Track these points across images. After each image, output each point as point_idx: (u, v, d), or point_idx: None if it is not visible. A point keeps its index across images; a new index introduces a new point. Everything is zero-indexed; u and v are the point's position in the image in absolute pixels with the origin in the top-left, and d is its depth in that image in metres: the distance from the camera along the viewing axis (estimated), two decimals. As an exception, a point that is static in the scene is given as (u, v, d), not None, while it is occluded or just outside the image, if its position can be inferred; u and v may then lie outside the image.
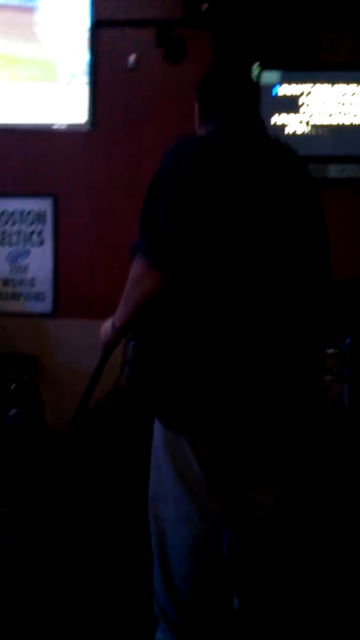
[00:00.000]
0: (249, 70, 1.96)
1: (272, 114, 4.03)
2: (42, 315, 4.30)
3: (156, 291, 1.68)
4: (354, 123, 4.01)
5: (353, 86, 3.98)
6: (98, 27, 4.22)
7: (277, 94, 4.04)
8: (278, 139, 1.84)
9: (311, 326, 1.75)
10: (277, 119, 4.04)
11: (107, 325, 1.91)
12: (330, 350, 2.91)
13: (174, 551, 1.81)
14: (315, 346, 1.78)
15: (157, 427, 1.83)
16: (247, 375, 1.66)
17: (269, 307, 1.68)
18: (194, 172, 1.63)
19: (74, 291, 4.30)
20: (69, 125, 4.27)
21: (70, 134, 4.28)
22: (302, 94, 4.03)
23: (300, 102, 4.03)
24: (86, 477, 3.06)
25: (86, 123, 4.25)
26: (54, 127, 4.28)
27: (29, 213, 4.33)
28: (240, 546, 1.88)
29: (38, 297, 4.33)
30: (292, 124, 4.04)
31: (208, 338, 1.65)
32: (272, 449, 1.76)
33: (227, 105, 1.79)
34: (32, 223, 4.34)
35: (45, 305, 4.32)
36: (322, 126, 4.03)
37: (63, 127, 4.27)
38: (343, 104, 4.01)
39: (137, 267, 1.70)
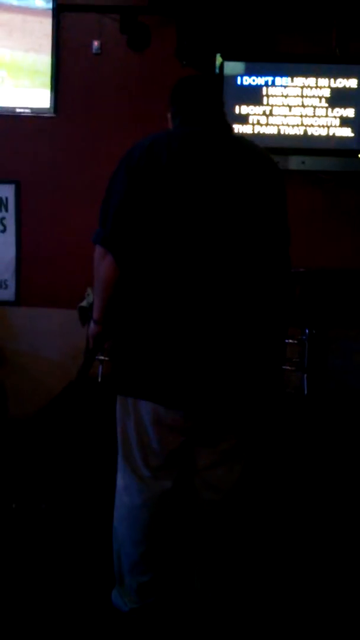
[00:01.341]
0: (210, 81, 2.10)
1: (235, 105, 4.07)
2: (5, 304, 4.28)
3: (114, 274, 1.83)
4: (314, 115, 4.07)
5: (312, 79, 4.05)
6: (60, 11, 4.18)
7: (240, 85, 4.08)
8: (242, 137, 1.96)
9: (269, 305, 1.85)
10: (240, 110, 4.08)
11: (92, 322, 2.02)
12: (289, 341, 2.99)
13: (116, 516, 2.02)
14: (273, 324, 1.88)
15: (119, 401, 1.94)
16: (203, 344, 1.78)
17: (224, 288, 1.78)
18: (145, 162, 1.78)
19: (38, 279, 4.29)
20: (32, 110, 4.22)
21: (33, 118, 4.24)
22: (263, 85, 4.07)
23: (262, 94, 4.07)
24: (50, 466, 3.09)
25: (49, 108, 4.21)
26: (17, 111, 4.23)
27: (-10, 199, 4.29)
28: (199, 526, 1.98)
29: (0, 285, 4.30)
30: (255, 115, 4.09)
31: (162, 309, 1.78)
32: (227, 418, 1.87)
33: (185, 108, 1.95)
34: (-7, 210, 4.30)
35: (8, 294, 4.29)
36: (283, 118, 4.09)
37: (26, 111, 4.23)
38: (303, 96, 4.07)
39: (95, 254, 1.88)
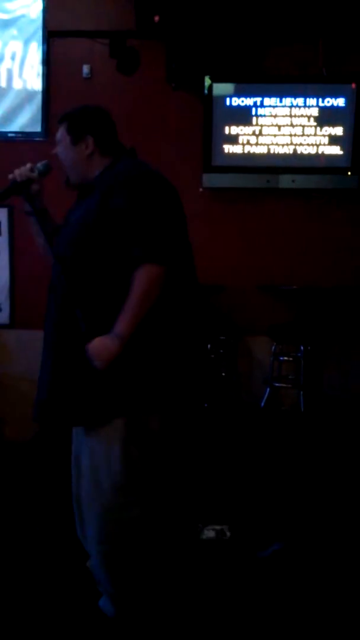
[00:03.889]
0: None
1: (224, 126, 4.12)
2: (0, 326, 4.28)
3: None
4: (303, 134, 4.12)
5: (300, 99, 4.10)
6: (51, 37, 4.23)
7: (229, 105, 4.13)
8: None
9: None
10: (230, 130, 4.13)
11: (106, 342, 1.86)
12: (284, 358, 3.00)
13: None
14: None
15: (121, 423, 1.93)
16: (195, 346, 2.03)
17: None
18: (174, 194, 1.97)
19: (32, 302, 4.26)
20: (24, 134, 4.26)
21: (25, 143, 4.27)
22: (252, 106, 4.12)
23: (251, 114, 4.12)
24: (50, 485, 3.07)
25: (40, 132, 4.25)
26: (9, 135, 4.26)
27: (-16, 224, 4.30)
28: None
29: (-5, 308, 4.31)
30: (245, 135, 4.13)
31: (178, 321, 1.94)
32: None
33: (114, 141, 2.10)
34: (-13, 234, 4.31)
35: (3, 316, 4.30)
36: (272, 137, 4.13)
37: (18, 136, 4.26)
38: (292, 115, 4.12)
39: (152, 274, 1.85)
